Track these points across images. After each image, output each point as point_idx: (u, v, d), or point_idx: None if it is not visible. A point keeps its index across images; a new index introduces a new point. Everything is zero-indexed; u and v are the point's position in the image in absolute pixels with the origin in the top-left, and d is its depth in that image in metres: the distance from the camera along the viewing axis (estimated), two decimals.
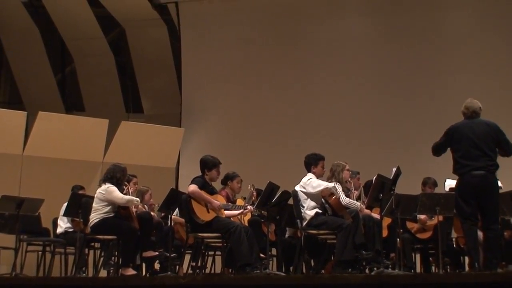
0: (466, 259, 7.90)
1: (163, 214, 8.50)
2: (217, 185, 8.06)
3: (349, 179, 7.94)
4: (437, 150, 6.82)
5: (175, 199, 7.94)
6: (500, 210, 7.71)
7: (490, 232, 6.45)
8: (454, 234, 8.59)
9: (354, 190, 8.05)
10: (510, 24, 11.94)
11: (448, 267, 8.47)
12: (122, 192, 7.35)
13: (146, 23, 13.85)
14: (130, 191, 7.61)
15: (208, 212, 7.14)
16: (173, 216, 8.38)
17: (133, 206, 7.46)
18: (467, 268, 7.88)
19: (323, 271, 7.97)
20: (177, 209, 8.53)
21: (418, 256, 8.89)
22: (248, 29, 12.93)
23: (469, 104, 6.70)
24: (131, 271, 7.10)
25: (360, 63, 12.48)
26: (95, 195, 7.38)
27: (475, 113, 6.68)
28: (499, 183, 7.78)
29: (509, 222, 8.59)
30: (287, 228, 9.12)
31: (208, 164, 7.44)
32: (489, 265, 6.24)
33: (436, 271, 8.53)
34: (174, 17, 13.60)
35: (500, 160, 6.70)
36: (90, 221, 7.34)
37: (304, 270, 8.30)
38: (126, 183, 7.63)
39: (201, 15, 13.21)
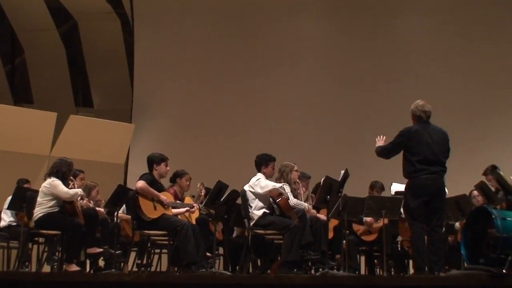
0: (411, 262, 8.01)
1: (107, 210, 8.41)
2: (165, 183, 8.03)
3: (297, 180, 8.00)
4: (391, 151, 6.75)
5: (122, 195, 7.89)
6: (445, 215, 7.88)
7: (435, 234, 6.54)
8: (399, 237, 8.72)
9: (303, 191, 8.12)
10: (466, 29, 12.21)
11: (392, 269, 8.60)
12: (67, 187, 7.25)
13: (99, 16, 13.70)
14: (76, 186, 7.50)
15: (155, 209, 7.09)
16: (119, 213, 8.30)
17: (78, 202, 7.36)
18: (411, 271, 8.01)
19: (269, 271, 8.01)
20: (124, 205, 8.47)
21: (363, 258, 9.00)
22: (202, 25, 12.89)
23: (426, 108, 6.71)
24: (74, 267, 7.01)
25: (315, 65, 12.58)
26: (40, 189, 7.28)
27: (429, 117, 6.76)
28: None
29: (454, 227, 8.77)
30: (234, 228, 9.13)
31: (156, 159, 7.40)
32: (434, 268, 6.34)
33: (381, 273, 8.65)
34: (128, 11, 13.47)
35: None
36: (34, 215, 7.22)
37: (250, 270, 8.32)
38: (72, 178, 7.52)
39: (155, 10, 13.10)
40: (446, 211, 7.76)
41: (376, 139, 6.91)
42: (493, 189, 7.98)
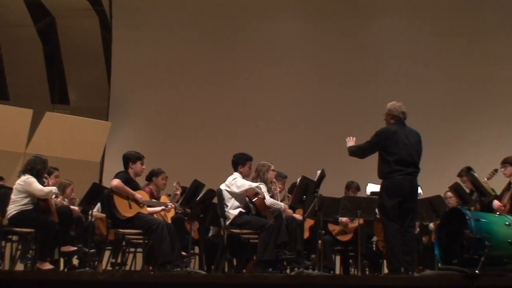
0: (385, 261, 8.05)
1: (82, 208, 8.34)
2: (141, 181, 7.98)
3: (274, 180, 8.00)
4: (367, 150, 6.74)
5: (97, 193, 7.84)
6: (419, 216, 7.93)
7: (408, 235, 6.57)
8: (374, 238, 8.76)
9: (279, 191, 8.11)
10: (442, 31, 12.31)
11: (367, 269, 8.63)
12: (42, 185, 7.18)
13: (78, 13, 13.58)
14: (50, 184, 7.43)
15: (130, 208, 7.04)
16: (94, 211, 8.23)
17: (52, 200, 7.29)
18: (385, 271, 8.04)
19: (244, 270, 8.00)
20: (99, 204, 8.41)
21: (338, 258, 9.03)
22: (181, 24, 12.85)
23: (404, 109, 6.75)
24: (48, 266, 6.94)
25: (294, 66, 12.60)
26: (14, 186, 7.19)
27: (405, 119, 6.80)
28: (419, 190, 8.00)
29: (428, 227, 8.82)
30: (210, 227, 9.11)
31: (131, 157, 7.36)
32: (408, 268, 6.37)
33: (355, 273, 8.68)
34: (107, 8, 13.38)
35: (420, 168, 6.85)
36: (7, 213, 7.13)
37: (226, 269, 8.30)
38: (46, 175, 7.45)
39: (134, 8, 13.04)
40: (421, 212, 7.83)
41: (347, 140, 6.91)
42: (467, 190, 8.04)
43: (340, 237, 8.60)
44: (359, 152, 6.80)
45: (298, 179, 7.49)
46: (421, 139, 6.76)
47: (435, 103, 12.07)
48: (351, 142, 6.88)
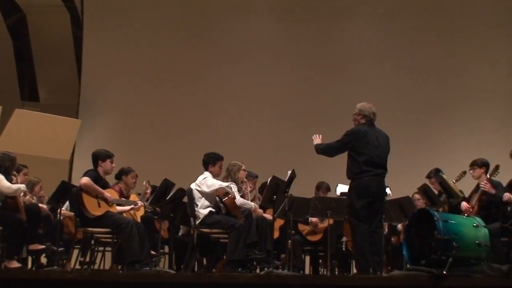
0: (354, 262, 8.07)
1: (51, 206, 8.25)
2: (111, 180, 7.92)
3: (245, 179, 7.99)
4: (337, 149, 6.73)
5: (66, 191, 7.76)
6: (388, 216, 7.98)
7: (376, 235, 6.61)
8: (344, 238, 8.79)
9: (250, 191, 8.11)
10: (412, 33, 12.41)
11: (336, 269, 8.66)
12: (10, 182, 7.07)
13: (49, 9, 13.39)
14: (19, 182, 7.31)
15: (99, 206, 6.97)
16: (62, 210, 8.14)
17: (21, 197, 7.18)
18: (354, 271, 8.08)
19: (214, 269, 7.98)
20: (67, 202, 8.32)
21: (308, 258, 9.05)
22: (152, 23, 12.77)
23: (374, 110, 6.80)
24: (15, 264, 6.83)
25: (264, 66, 12.59)
26: None
27: (375, 119, 6.83)
28: (388, 190, 8.06)
29: (396, 228, 8.88)
30: (180, 226, 9.07)
31: (101, 155, 7.29)
32: (377, 268, 6.40)
33: (325, 273, 8.71)
34: (78, 5, 13.24)
35: (388, 168, 6.88)
36: None
37: (196, 269, 8.27)
38: (15, 173, 7.33)
39: (105, 5, 12.92)
40: (389, 213, 7.88)
41: (313, 137, 6.91)
42: (436, 191, 8.11)
43: (310, 237, 8.63)
44: (328, 150, 6.79)
45: (269, 179, 7.49)
46: (388, 141, 6.81)
47: (405, 103, 12.16)
48: (317, 140, 6.88)
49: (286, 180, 7.43)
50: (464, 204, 7.42)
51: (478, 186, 7.55)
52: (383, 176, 6.65)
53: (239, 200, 7.52)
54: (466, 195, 7.84)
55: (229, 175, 7.88)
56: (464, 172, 7.85)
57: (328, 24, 12.63)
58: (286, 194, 7.47)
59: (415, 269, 5.41)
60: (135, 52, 12.64)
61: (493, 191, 7.15)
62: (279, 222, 8.32)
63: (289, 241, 7.99)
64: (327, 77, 12.35)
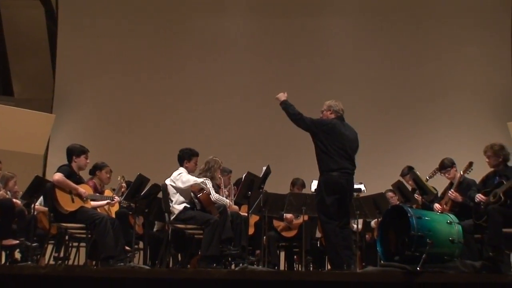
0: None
1: (25, 202, 8.13)
2: (85, 175, 7.83)
3: (220, 176, 7.95)
4: (304, 124, 6.64)
5: (39, 187, 7.66)
6: (363, 213, 8.00)
7: (346, 230, 6.64)
8: (318, 234, 8.79)
9: (224, 187, 8.07)
10: (385, 31, 12.47)
11: (311, 265, 8.66)
12: None
13: (23, 3, 13.23)
14: None
15: (73, 202, 6.91)
16: (36, 205, 8.04)
17: None
18: (328, 267, 8.09)
19: (188, 265, 7.93)
20: (42, 197, 8.22)
21: (282, 254, 9.04)
22: (128, 18, 12.67)
23: (342, 107, 6.82)
24: None
25: (239, 62, 12.55)
26: None
27: (343, 115, 6.84)
28: (363, 187, 8.08)
29: (370, 224, 8.91)
30: (155, 222, 9.00)
31: (76, 150, 7.21)
32: (350, 262, 6.41)
33: (299, 268, 8.70)
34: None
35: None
36: None
37: (170, 264, 8.22)
38: None
39: (80, 0, 12.77)
40: (364, 209, 7.91)
41: (279, 95, 6.88)
42: (409, 188, 8.14)
43: (284, 233, 8.62)
44: (298, 117, 6.68)
45: (244, 175, 7.46)
46: (357, 136, 6.82)
47: (380, 100, 12.20)
48: (283, 96, 6.85)
49: (261, 176, 7.40)
50: (436, 206, 7.47)
51: (451, 184, 7.60)
52: (351, 172, 6.66)
53: (214, 196, 7.48)
54: (439, 191, 7.90)
55: (208, 170, 7.83)
56: (437, 169, 7.88)
57: (302, 20, 12.62)
58: (261, 190, 7.46)
59: (389, 265, 5.40)
60: (110, 47, 12.53)
61: (459, 199, 7.25)
62: (254, 218, 8.31)
63: (264, 237, 7.97)
64: (301, 73, 12.35)
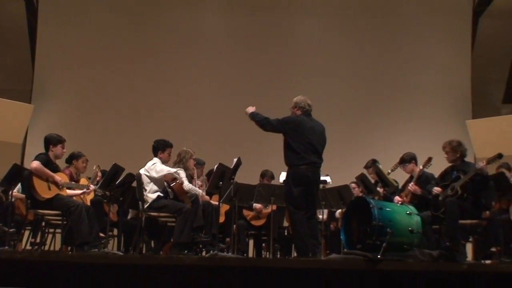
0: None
1: (3, 189, 8.03)
2: (62, 164, 7.75)
3: (193, 167, 7.93)
4: (272, 127, 6.73)
5: (17, 174, 7.56)
6: (328, 203, 8.04)
7: (313, 221, 6.68)
8: (285, 223, 8.82)
9: (197, 178, 8.05)
10: (352, 34, 12.52)
11: (278, 252, 8.70)
12: None
13: None
14: None
15: (49, 189, 6.84)
16: (14, 192, 7.93)
17: None
18: (294, 254, 8.12)
19: (161, 252, 7.90)
20: (19, 184, 8.12)
21: (251, 242, 9.05)
22: (106, 13, 12.56)
23: (309, 101, 6.85)
24: None
25: (213, 57, 12.52)
26: None
27: (311, 110, 6.86)
28: (328, 179, 8.11)
29: (335, 214, 8.96)
30: (129, 210, 8.95)
31: (53, 140, 7.14)
32: (316, 251, 6.45)
33: (267, 256, 8.72)
34: None
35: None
36: None
37: (144, 251, 8.17)
38: None
39: None
40: (329, 200, 7.95)
41: (248, 109, 6.92)
42: (372, 181, 8.20)
43: (253, 222, 8.65)
44: (264, 122, 6.76)
45: (215, 166, 7.45)
46: (325, 130, 6.86)
47: (347, 98, 12.28)
48: (252, 108, 6.90)
49: (232, 167, 7.40)
50: (396, 198, 7.53)
51: (411, 177, 7.67)
52: (318, 165, 6.70)
53: (187, 185, 7.45)
54: (400, 184, 7.98)
55: (181, 161, 7.81)
56: (399, 163, 7.95)
57: (274, 18, 12.63)
58: (231, 181, 7.46)
59: (352, 253, 5.44)
60: (88, 40, 12.41)
61: (418, 192, 7.32)
62: (224, 207, 8.31)
63: (234, 225, 7.98)
64: (272, 68, 12.37)
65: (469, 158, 7.61)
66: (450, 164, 7.32)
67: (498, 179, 7.02)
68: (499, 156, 6.92)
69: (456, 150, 7.21)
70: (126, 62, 12.39)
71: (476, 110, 12.33)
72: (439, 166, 7.52)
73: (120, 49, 12.43)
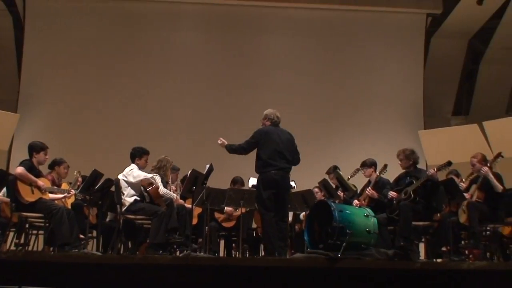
0: (262, 246, 8.08)
1: None
2: (45, 170, 7.64)
3: (168, 173, 7.88)
4: (246, 149, 6.91)
5: (3, 179, 7.43)
6: (293, 206, 8.05)
7: (283, 224, 6.70)
8: (254, 225, 8.81)
9: (172, 183, 8.00)
10: (313, 48, 12.61)
11: (247, 252, 8.67)
12: None
13: None
14: None
15: (33, 193, 6.76)
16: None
17: None
18: (262, 254, 8.10)
19: (137, 252, 7.81)
20: (5, 188, 7.96)
21: (222, 242, 9.01)
22: (90, 27, 12.44)
23: (278, 114, 7.01)
24: None
25: (188, 71, 12.49)
26: None
27: (279, 121, 6.95)
28: (294, 184, 8.12)
29: (299, 216, 8.95)
30: (108, 213, 8.83)
31: (36, 147, 7.07)
32: (281, 252, 6.46)
33: (237, 255, 8.69)
34: (20, 9, 12.71)
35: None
36: None
37: (121, 251, 8.08)
38: None
39: (45, 11, 12.47)
40: (294, 203, 7.95)
41: (218, 141, 7.11)
42: (333, 186, 8.22)
43: (224, 224, 8.61)
44: (240, 150, 6.96)
45: (189, 172, 7.42)
46: (293, 138, 6.98)
47: (310, 108, 12.34)
48: (223, 142, 7.06)
49: (204, 173, 7.38)
50: (355, 201, 7.58)
51: (369, 182, 7.72)
52: (287, 170, 6.76)
53: (162, 190, 7.40)
54: (358, 188, 8.02)
55: (161, 168, 7.76)
56: (358, 169, 8.00)
57: (245, 36, 12.67)
58: (204, 186, 7.43)
59: (314, 252, 5.46)
60: (71, 54, 12.29)
61: (375, 196, 7.38)
62: (197, 210, 8.26)
63: (206, 227, 7.93)
64: (242, 84, 12.42)
65: (421, 165, 7.72)
66: (404, 171, 7.39)
67: (447, 184, 7.09)
68: (449, 163, 7.03)
69: (409, 157, 7.28)
70: (108, 75, 12.30)
71: (427, 122, 12.50)
72: (394, 172, 7.58)
73: (101, 64, 12.33)
